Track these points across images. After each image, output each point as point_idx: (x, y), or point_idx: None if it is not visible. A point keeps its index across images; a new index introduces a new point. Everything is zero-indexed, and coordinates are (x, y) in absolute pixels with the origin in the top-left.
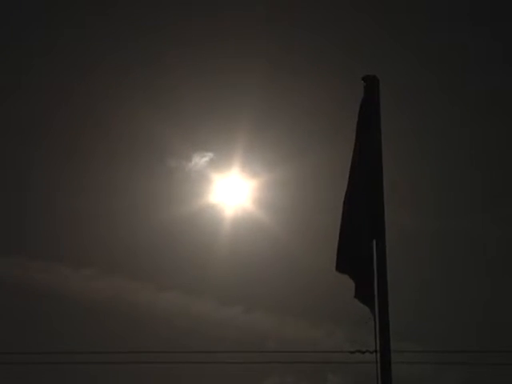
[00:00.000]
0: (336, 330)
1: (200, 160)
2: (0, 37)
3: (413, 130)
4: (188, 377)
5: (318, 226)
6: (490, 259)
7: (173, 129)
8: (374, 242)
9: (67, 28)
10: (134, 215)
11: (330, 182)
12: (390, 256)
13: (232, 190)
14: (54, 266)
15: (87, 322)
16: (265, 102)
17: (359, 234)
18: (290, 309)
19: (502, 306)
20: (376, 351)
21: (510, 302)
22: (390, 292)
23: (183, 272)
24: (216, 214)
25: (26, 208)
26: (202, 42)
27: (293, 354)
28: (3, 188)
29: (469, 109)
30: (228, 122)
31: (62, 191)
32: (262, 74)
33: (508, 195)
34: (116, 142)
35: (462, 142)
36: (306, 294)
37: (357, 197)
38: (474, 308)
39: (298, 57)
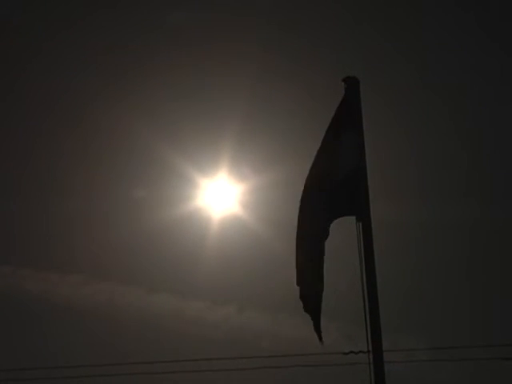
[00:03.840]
0: (330, 327)
1: (186, 164)
2: None
3: (395, 119)
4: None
5: None
6: (478, 249)
7: (158, 133)
8: (362, 238)
9: (59, 26)
10: (122, 219)
11: None
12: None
13: (219, 194)
14: (41, 273)
15: (77, 329)
16: (252, 105)
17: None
18: (283, 307)
19: (492, 298)
20: (369, 351)
21: (501, 292)
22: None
23: (173, 275)
24: (204, 218)
25: (12, 215)
26: (187, 44)
27: (285, 358)
28: None
29: (454, 99)
30: (214, 125)
31: (48, 196)
32: (249, 77)
33: (496, 184)
34: (102, 147)
35: (447, 130)
36: (297, 292)
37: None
38: (465, 300)
39: (286, 59)
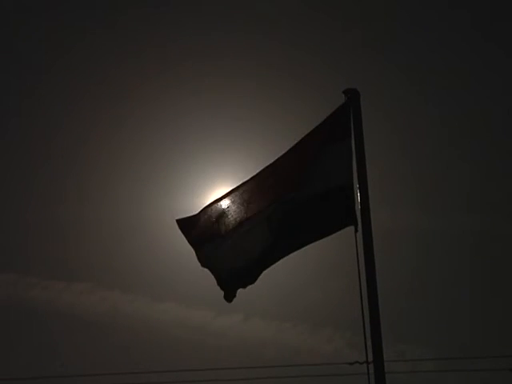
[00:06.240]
0: (335, 336)
1: (193, 172)
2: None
3: (400, 127)
4: None
5: None
6: (483, 257)
7: (164, 140)
8: (362, 243)
9: (69, 33)
10: (127, 228)
11: None
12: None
13: None
14: (46, 281)
15: (82, 337)
16: (256, 112)
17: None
18: (288, 316)
19: (498, 308)
20: (373, 362)
21: (507, 302)
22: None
23: (179, 283)
24: None
25: (17, 223)
26: (187, 60)
27: (290, 367)
28: None
29: (456, 107)
30: (219, 133)
31: (54, 204)
32: (252, 85)
33: (499, 193)
34: (108, 155)
35: (453, 137)
36: (305, 300)
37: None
38: (471, 310)
39: (287, 69)
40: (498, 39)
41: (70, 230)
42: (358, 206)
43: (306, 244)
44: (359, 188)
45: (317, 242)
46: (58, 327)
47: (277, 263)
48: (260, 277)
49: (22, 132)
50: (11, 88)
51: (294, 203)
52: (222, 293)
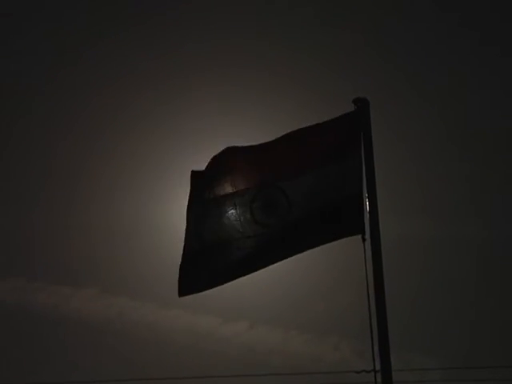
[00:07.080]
0: (342, 344)
1: None
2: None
3: (405, 135)
4: None
5: None
6: (492, 266)
7: (171, 146)
8: (370, 253)
9: (76, 41)
10: (135, 234)
11: None
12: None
13: None
14: (54, 287)
15: (89, 342)
16: (260, 122)
17: None
18: (294, 324)
19: (507, 317)
20: (381, 370)
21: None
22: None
23: None
24: None
25: (25, 228)
26: (200, 70)
27: (297, 375)
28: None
29: (463, 118)
30: (224, 142)
31: (61, 210)
32: (258, 93)
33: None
34: (113, 161)
35: (456, 144)
36: (311, 308)
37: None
38: (476, 318)
39: (295, 81)
40: (497, 43)
41: (77, 236)
42: (367, 216)
43: (309, 248)
44: (368, 197)
45: (324, 251)
46: (64, 332)
47: (282, 270)
48: (267, 284)
49: (26, 137)
50: (17, 93)
51: (302, 209)
52: (228, 300)
